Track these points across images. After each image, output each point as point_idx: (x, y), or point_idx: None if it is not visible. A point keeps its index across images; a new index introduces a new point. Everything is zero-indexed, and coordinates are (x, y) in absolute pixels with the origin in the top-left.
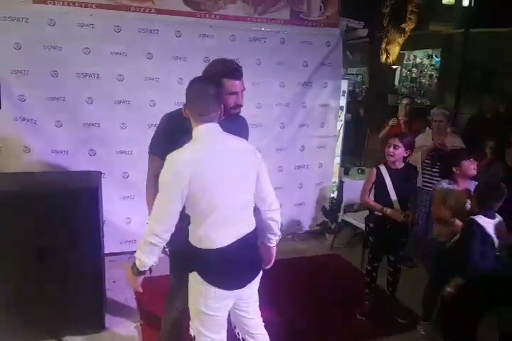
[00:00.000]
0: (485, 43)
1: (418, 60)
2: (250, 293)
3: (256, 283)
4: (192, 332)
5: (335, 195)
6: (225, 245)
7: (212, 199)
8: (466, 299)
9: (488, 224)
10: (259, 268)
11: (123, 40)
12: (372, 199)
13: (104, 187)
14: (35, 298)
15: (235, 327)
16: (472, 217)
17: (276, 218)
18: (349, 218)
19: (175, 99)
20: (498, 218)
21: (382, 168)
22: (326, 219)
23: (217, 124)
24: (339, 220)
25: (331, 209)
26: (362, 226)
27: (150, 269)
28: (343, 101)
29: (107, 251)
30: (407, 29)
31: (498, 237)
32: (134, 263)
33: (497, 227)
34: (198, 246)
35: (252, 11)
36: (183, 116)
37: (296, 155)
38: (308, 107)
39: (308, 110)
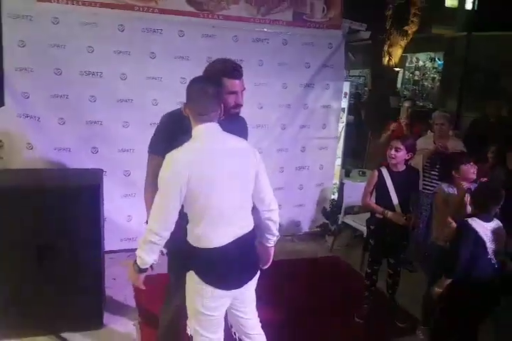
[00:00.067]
0: (487, 46)
1: (421, 63)
2: (248, 293)
3: (253, 283)
4: (189, 331)
5: (335, 196)
6: (223, 244)
7: (211, 198)
8: (454, 299)
9: (482, 227)
10: (257, 269)
11: (126, 40)
12: (374, 201)
13: (105, 185)
14: (34, 293)
15: (231, 326)
16: (466, 219)
17: (274, 218)
18: (349, 220)
19: (177, 98)
20: (497, 222)
21: (384, 171)
22: (326, 221)
23: (217, 124)
24: (339, 222)
25: (331, 210)
26: (362, 228)
27: (151, 267)
28: (344, 103)
29: (106, 248)
30: (409, 32)
31: (495, 241)
32: (135, 261)
33: (495, 232)
34: (196, 245)
35: (255, 12)
36: (183, 115)
37: (297, 156)
38: (309, 108)
39: (309, 111)
